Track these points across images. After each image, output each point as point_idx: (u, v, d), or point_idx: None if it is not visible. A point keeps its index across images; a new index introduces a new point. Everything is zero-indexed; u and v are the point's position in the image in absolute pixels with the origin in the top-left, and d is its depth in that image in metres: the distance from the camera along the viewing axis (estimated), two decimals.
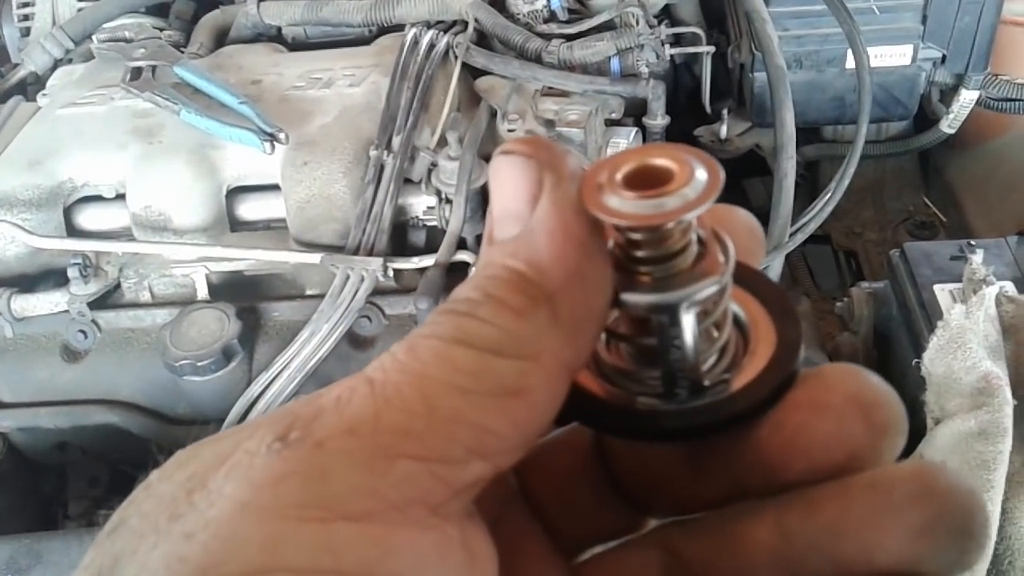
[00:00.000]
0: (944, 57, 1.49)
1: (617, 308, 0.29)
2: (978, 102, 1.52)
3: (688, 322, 0.28)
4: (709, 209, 0.26)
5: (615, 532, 0.33)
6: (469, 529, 0.27)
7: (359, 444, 0.25)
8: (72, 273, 1.19)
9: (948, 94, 1.55)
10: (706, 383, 0.29)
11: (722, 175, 0.27)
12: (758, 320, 0.31)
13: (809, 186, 1.70)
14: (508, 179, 0.28)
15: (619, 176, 0.27)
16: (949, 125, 1.57)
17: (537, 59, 1.33)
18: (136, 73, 1.32)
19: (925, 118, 1.62)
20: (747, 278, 0.31)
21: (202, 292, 1.23)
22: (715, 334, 0.30)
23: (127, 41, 1.43)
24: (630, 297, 0.28)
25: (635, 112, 1.34)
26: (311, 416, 0.25)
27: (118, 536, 0.25)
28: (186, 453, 0.27)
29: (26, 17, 1.66)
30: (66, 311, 1.20)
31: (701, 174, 0.27)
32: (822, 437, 0.28)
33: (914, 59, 1.47)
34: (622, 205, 0.26)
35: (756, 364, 0.30)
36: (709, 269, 0.28)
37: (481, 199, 1.23)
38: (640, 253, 0.28)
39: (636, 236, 0.28)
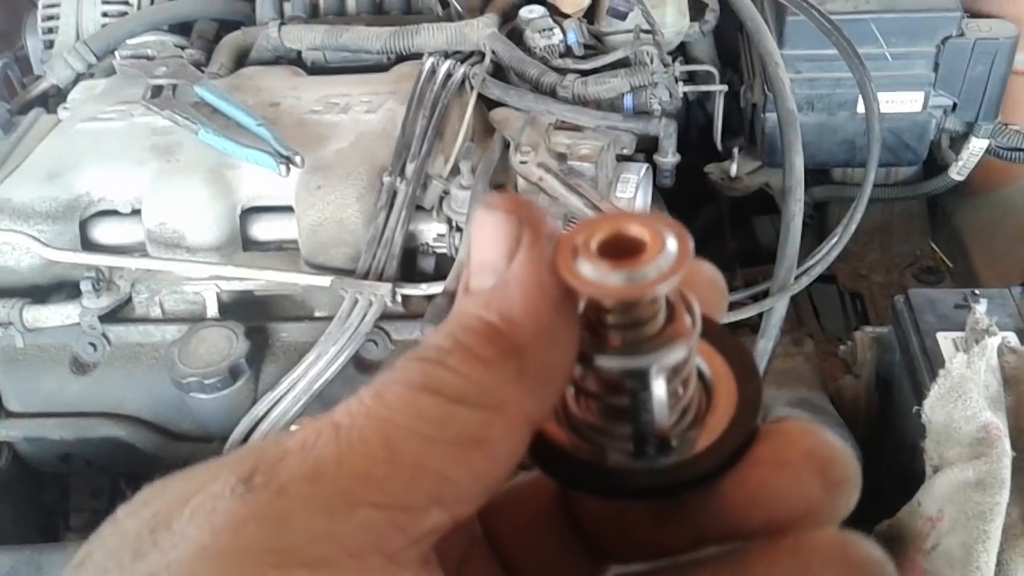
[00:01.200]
0: (955, 105, 1.50)
1: (587, 368, 0.30)
2: (987, 151, 1.54)
3: (658, 385, 0.29)
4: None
5: None
6: None
7: (320, 490, 0.25)
8: (85, 286, 1.20)
9: (958, 141, 1.57)
10: (673, 442, 0.30)
11: (692, 245, 0.27)
12: (720, 375, 0.32)
13: (817, 226, 1.71)
14: (488, 232, 0.29)
15: (594, 243, 0.28)
16: (958, 172, 1.58)
17: (552, 93, 1.35)
18: (157, 91, 1.34)
19: (935, 164, 1.63)
20: (709, 332, 0.31)
21: (212, 310, 1.24)
22: (681, 392, 0.31)
23: (149, 59, 1.46)
24: (603, 361, 0.29)
25: (646, 148, 1.35)
26: (275, 458, 0.26)
27: (83, 571, 0.26)
28: (153, 490, 0.27)
29: (51, 30, 1.68)
30: (77, 324, 1.21)
31: (672, 245, 0.27)
32: (782, 492, 0.29)
33: (925, 106, 1.49)
34: (596, 274, 0.27)
35: (719, 420, 0.30)
36: (678, 332, 0.29)
37: None
38: (612, 319, 0.29)
39: (608, 303, 0.29)
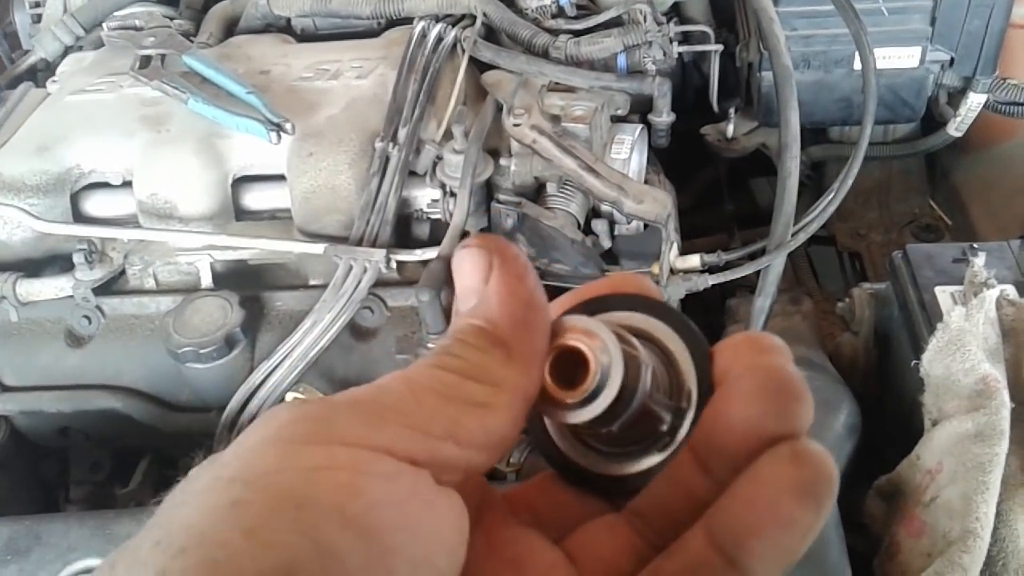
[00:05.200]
0: (952, 60, 1.48)
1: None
2: (986, 106, 1.52)
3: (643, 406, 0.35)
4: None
5: (593, 516, 0.38)
6: (444, 492, 0.32)
7: (360, 409, 0.32)
8: (77, 259, 1.20)
9: (956, 97, 1.55)
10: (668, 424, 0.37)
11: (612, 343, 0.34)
12: (671, 342, 0.37)
13: (815, 187, 1.71)
14: (467, 265, 0.36)
15: (547, 366, 0.35)
16: (956, 128, 1.56)
17: (544, 54, 1.34)
18: (145, 61, 1.33)
19: (932, 120, 1.62)
20: (654, 308, 0.38)
21: (206, 280, 1.24)
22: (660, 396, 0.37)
23: (137, 29, 1.44)
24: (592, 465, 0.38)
25: (641, 109, 1.34)
26: (324, 397, 0.34)
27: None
28: None
29: (37, 4, 1.67)
30: (71, 296, 1.21)
31: (605, 357, 0.33)
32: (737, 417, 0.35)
33: (922, 61, 1.47)
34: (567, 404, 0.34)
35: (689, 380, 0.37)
36: (636, 379, 0.35)
37: (485, 193, 1.24)
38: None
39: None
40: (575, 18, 1.39)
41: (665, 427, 0.36)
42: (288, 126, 1.20)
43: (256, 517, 0.27)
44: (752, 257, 1.19)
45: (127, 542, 0.29)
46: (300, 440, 0.30)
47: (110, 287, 1.24)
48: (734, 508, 0.33)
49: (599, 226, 1.23)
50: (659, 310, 0.37)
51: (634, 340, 0.35)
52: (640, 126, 1.29)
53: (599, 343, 0.33)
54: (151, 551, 0.27)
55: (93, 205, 1.27)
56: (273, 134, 1.20)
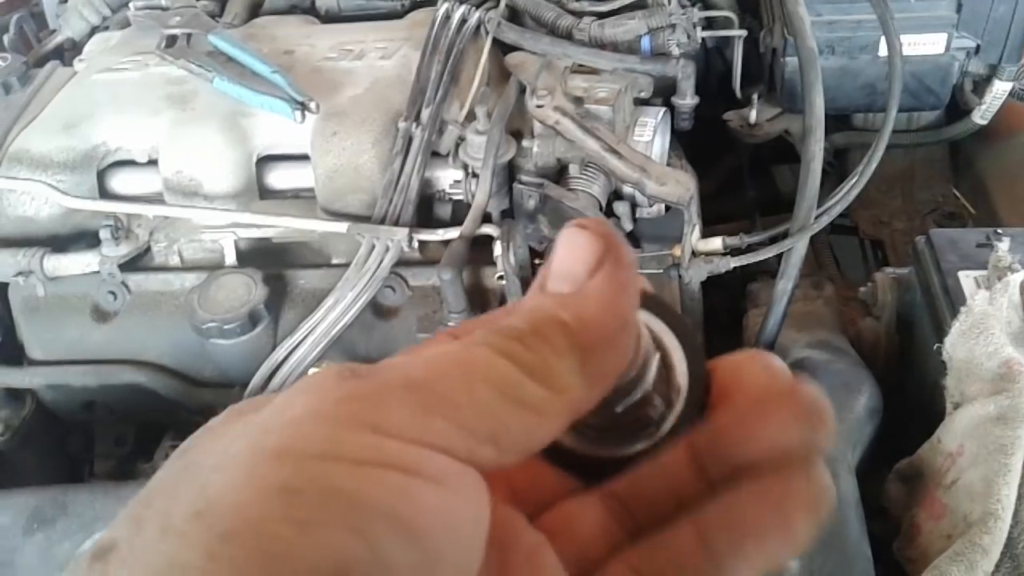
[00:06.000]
0: (978, 47, 1.47)
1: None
2: (1011, 94, 1.51)
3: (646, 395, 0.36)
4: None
5: (566, 494, 0.37)
6: (479, 493, 0.31)
7: (411, 395, 0.29)
8: (104, 235, 1.21)
9: (981, 85, 1.54)
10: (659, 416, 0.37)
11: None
12: (668, 341, 0.37)
13: (837, 174, 1.70)
14: (574, 247, 0.33)
15: None
16: (981, 116, 1.55)
17: (568, 36, 1.34)
18: (171, 41, 1.34)
19: (957, 108, 1.60)
20: (653, 306, 0.37)
21: (230, 258, 1.25)
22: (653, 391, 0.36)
23: (163, 9, 1.45)
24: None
25: (664, 92, 1.34)
26: (371, 368, 0.30)
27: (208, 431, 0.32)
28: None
29: None
30: (97, 272, 1.22)
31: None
32: (756, 432, 0.35)
33: (947, 48, 1.46)
34: None
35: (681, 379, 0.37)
36: (644, 370, 0.35)
37: (507, 174, 1.24)
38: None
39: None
40: (599, 0, 1.39)
41: (655, 417, 0.36)
42: (312, 105, 1.21)
43: (310, 511, 0.26)
44: (774, 241, 1.19)
45: (144, 494, 0.29)
46: (350, 424, 0.28)
47: (136, 263, 1.25)
48: (738, 514, 0.33)
49: (621, 208, 1.24)
50: (656, 306, 0.38)
51: (645, 329, 0.36)
52: (663, 109, 1.29)
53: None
54: (191, 522, 0.26)
55: (119, 182, 1.29)
56: (298, 113, 1.21)
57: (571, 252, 0.33)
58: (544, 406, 0.31)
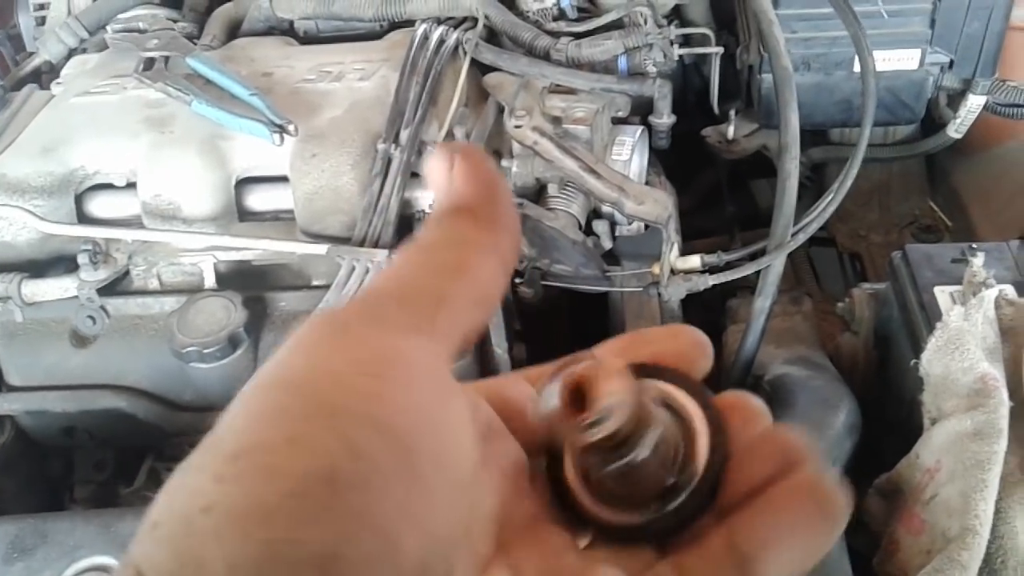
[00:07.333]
0: (952, 62, 1.49)
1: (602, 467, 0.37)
2: (985, 107, 1.53)
3: (649, 456, 0.37)
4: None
5: None
6: (454, 392, 0.35)
7: (367, 306, 0.35)
8: (82, 259, 1.20)
9: (955, 99, 1.56)
10: (677, 482, 0.38)
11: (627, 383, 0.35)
12: (694, 415, 0.39)
13: (815, 188, 1.71)
14: (432, 168, 0.39)
15: (562, 397, 0.35)
16: (956, 130, 1.57)
17: (545, 56, 1.34)
18: (149, 63, 1.34)
19: (932, 122, 1.62)
20: (681, 382, 0.40)
21: (210, 281, 1.24)
22: (667, 451, 0.38)
23: (141, 32, 1.45)
24: (611, 467, 0.37)
25: (642, 111, 1.35)
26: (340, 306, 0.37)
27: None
28: None
29: (42, 7, 1.68)
30: (75, 297, 1.21)
31: (617, 391, 0.35)
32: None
33: (922, 63, 1.47)
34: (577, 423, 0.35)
35: (701, 451, 0.38)
36: (646, 423, 0.36)
37: None
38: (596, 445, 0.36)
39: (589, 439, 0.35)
40: (576, 20, 1.40)
41: (657, 489, 0.38)
42: (291, 127, 1.21)
43: (296, 424, 0.30)
44: (752, 257, 1.20)
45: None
46: (325, 343, 0.33)
47: (114, 287, 1.25)
48: (763, 515, 0.35)
49: (600, 227, 1.24)
50: (692, 388, 0.40)
51: (651, 405, 0.37)
52: (641, 128, 1.30)
53: (614, 383, 0.35)
54: (203, 456, 0.30)
55: (97, 206, 1.28)
56: (276, 136, 1.21)
57: (432, 174, 0.39)
58: (463, 260, 0.36)
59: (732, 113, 1.55)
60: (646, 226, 1.24)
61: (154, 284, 1.26)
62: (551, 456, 0.40)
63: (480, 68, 1.37)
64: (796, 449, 0.37)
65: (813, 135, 1.69)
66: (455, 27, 1.38)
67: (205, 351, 1.13)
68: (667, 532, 0.37)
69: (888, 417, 1.15)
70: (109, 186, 1.27)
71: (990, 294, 1.02)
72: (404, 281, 0.36)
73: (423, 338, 0.34)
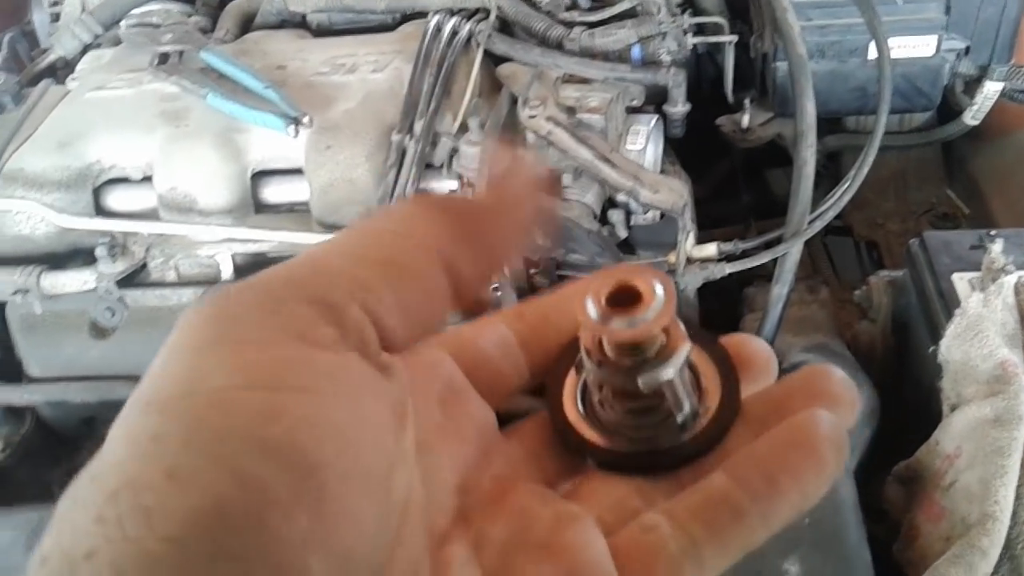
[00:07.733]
0: (968, 48, 1.48)
1: (617, 386, 0.37)
2: (1002, 94, 1.51)
3: (670, 385, 0.36)
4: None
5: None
6: (368, 383, 0.31)
7: (256, 294, 0.30)
8: (100, 252, 1.21)
9: (972, 85, 1.54)
10: (686, 420, 0.37)
11: (673, 289, 0.35)
12: (706, 366, 0.39)
13: (831, 177, 1.70)
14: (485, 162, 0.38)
15: (603, 299, 0.34)
16: (973, 117, 1.56)
17: (559, 46, 1.34)
18: (164, 58, 1.34)
19: (949, 109, 1.61)
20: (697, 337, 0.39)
21: (227, 273, 1.25)
22: (683, 385, 0.38)
23: (155, 27, 1.46)
24: (635, 378, 0.36)
25: (656, 100, 1.34)
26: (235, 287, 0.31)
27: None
28: None
29: (56, 3, 1.68)
30: (94, 289, 1.22)
31: (660, 289, 0.34)
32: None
33: (938, 50, 1.46)
34: (617, 324, 0.34)
35: (712, 397, 0.38)
36: (676, 345, 0.36)
37: None
38: (627, 351, 0.36)
39: (627, 340, 0.35)
40: (589, 10, 1.39)
41: (679, 419, 0.37)
42: (306, 120, 1.22)
43: (176, 455, 0.26)
44: (769, 246, 1.20)
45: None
46: (207, 350, 0.28)
47: (132, 280, 1.25)
48: (766, 454, 0.34)
49: (615, 216, 1.24)
50: (707, 338, 0.40)
51: (682, 327, 0.37)
52: (655, 116, 1.30)
53: (660, 290, 0.35)
54: (88, 488, 0.26)
55: (114, 200, 1.29)
56: (291, 128, 1.21)
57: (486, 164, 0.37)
58: (396, 256, 0.32)
59: (746, 102, 1.55)
60: (662, 215, 1.23)
61: (172, 276, 1.26)
62: (551, 390, 0.39)
63: (493, 59, 1.37)
64: (799, 388, 0.37)
65: (828, 123, 1.68)
66: (468, 18, 1.37)
67: None
68: (664, 467, 0.37)
69: (906, 405, 1.14)
70: (126, 180, 1.28)
71: (1009, 280, 1.01)
72: (319, 265, 0.31)
73: (329, 330, 0.30)
